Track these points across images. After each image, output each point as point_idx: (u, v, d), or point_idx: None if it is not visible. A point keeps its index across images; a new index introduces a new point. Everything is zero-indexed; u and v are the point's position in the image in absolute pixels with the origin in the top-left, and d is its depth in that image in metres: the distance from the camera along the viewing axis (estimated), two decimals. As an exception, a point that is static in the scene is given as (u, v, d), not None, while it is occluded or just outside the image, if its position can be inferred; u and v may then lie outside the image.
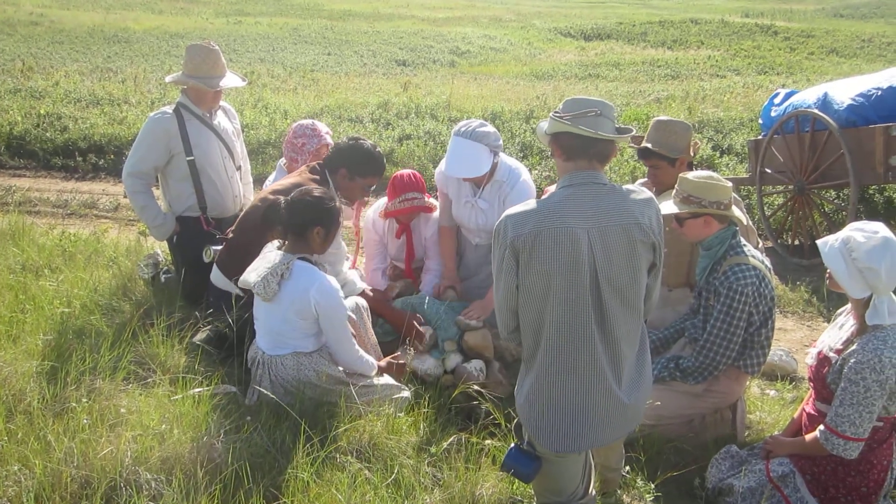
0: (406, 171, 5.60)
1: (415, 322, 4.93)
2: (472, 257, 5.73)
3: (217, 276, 4.94)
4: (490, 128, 5.14)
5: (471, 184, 5.38)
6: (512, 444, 3.47)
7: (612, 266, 3.17)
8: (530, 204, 3.26)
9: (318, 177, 4.95)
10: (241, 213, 5.17)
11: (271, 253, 4.17)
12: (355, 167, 4.99)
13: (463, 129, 5.12)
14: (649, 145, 5.02)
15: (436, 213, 5.71)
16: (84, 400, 3.66)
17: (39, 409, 3.60)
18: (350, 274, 5.19)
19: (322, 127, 5.77)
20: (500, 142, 5.21)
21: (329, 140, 5.69)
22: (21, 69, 20.31)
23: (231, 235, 5.00)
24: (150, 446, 3.37)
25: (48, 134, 12.23)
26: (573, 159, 3.26)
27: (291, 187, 4.71)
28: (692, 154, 5.07)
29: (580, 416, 3.26)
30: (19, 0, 45.44)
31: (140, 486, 3.15)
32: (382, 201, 5.71)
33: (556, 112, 3.28)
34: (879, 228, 3.66)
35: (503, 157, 5.33)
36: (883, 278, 3.58)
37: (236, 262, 4.77)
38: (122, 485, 3.13)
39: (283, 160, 5.80)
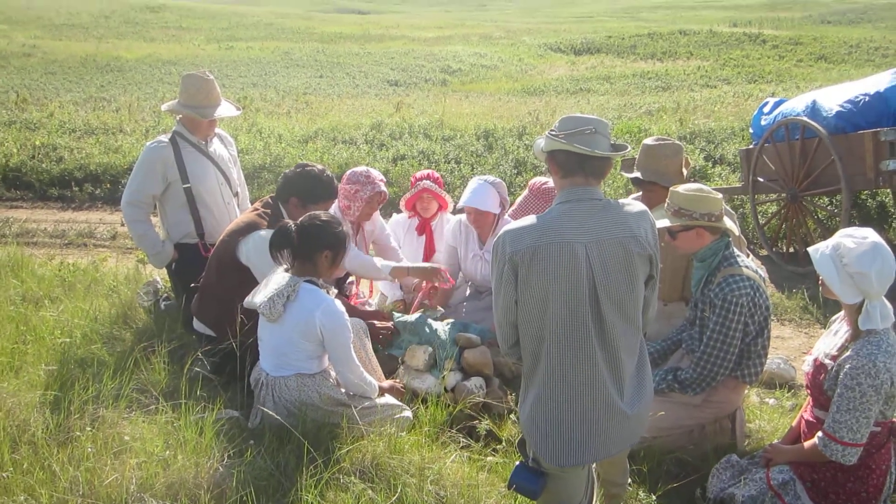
0: (424, 171, 6.36)
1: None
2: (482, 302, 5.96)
3: (197, 324, 5.05)
4: (502, 182, 5.83)
5: (477, 237, 5.90)
6: (518, 462, 3.49)
7: (609, 279, 3.19)
8: (529, 219, 3.29)
9: (270, 210, 4.99)
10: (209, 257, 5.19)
11: (278, 275, 4.20)
12: (306, 195, 5.01)
13: (482, 176, 5.87)
14: (640, 175, 5.09)
15: (452, 216, 6.33)
16: (88, 428, 3.66)
17: (44, 438, 3.60)
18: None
19: (376, 174, 5.65)
20: (507, 196, 5.86)
21: (383, 188, 5.62)
22: (15, 101, 20.38)
23: (198, 284, 5.12)
24: (154, 473, 3.37)
25: (44, 165, 12.28)
26: (569, 176, 3.30)
27: (245, 226, 4.85)
28: (685, 176, 5.11)
29: (584, 430, 3.27)
30: (11, 32, 45.60)
31: (146, 513, 3.17)
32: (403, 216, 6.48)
33: (551, 130, 3.32)
34: (869, 234, 3.69)
35: (508, 218, 5.84)
36: (874, 283, 3.61)
37: (208, 306, 4.93)
38: (128, 511, 3.15)
39: (336, 203, 5.66)
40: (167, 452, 3.54)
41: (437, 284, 5.69)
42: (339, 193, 5.55)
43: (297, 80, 30.47)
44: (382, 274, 5.50)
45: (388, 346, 5.20)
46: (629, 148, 3.42)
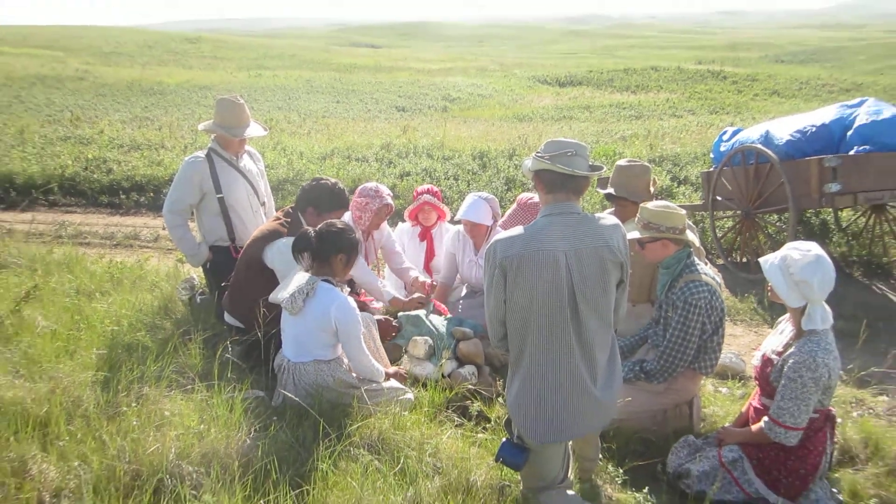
0: (425, 186, 6.41)
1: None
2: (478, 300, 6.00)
3: (228, 317, 5.04)
4: (494, 198, 5.90)
5: (473, 246, 5.96)
6: (504, 438, 3.54)
7: (586, 282, 3.24)
8: (517, 230, 3.34)
9: (290, 219, 5.01)
10: (238, 259, 5.20)
11: (299, 274, 4.24)
12: (320, 204, 5.03)
13: (477, 192, 5.91)
14: (612, 191, 5.14)
15: (450, 226, 6.32)
16: (133, 405, 3.67)
17: (95, 413, 3.62)
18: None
19: (384, 189, 5.68)
20: (499, 210, 5.93)
21: (390, 201, 5.65)
22: (70, 119, 20.38)
23: (228, 282, 5.13)
24: (191, 443, 3.38)
25: (95, 175, 12.28)
26: (553, 192, 3.35)
27: (269, 233, 4.90)
28: (652, 192, 5.16)
29: (562, 412, 3.32)
30: (66, 58, 45.60)
31: (183, 478, 3.16)
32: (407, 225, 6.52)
33: (538, 152, 3.37)
34: (812, 247, 3.74)
35: (499, 228, 5.83)
36: (815, 290, 3.66)
37: (237, 301, 4.94)
38: (167, 477, 3.14)
39: (349, 213, 5.66)
40: (202, 426, 3.55)
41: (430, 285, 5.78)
42: (352, 205, 5.60)
43: (317, 105, 30.46)
44: (384, 298, 5.59)
45: (393, 337, 5.24)
46: (604, 168, 3.46)
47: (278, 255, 4.74)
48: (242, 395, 3.94)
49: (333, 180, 5.16)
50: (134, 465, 3.22)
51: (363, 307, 5.36)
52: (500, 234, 3.37)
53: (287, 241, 4.60)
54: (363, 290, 6.05)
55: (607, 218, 3.40)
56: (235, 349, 4.65)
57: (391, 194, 5.73)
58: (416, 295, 5.67)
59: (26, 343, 4.45)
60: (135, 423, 3.51)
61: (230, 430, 3.56)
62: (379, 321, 5.10)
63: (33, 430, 3.44)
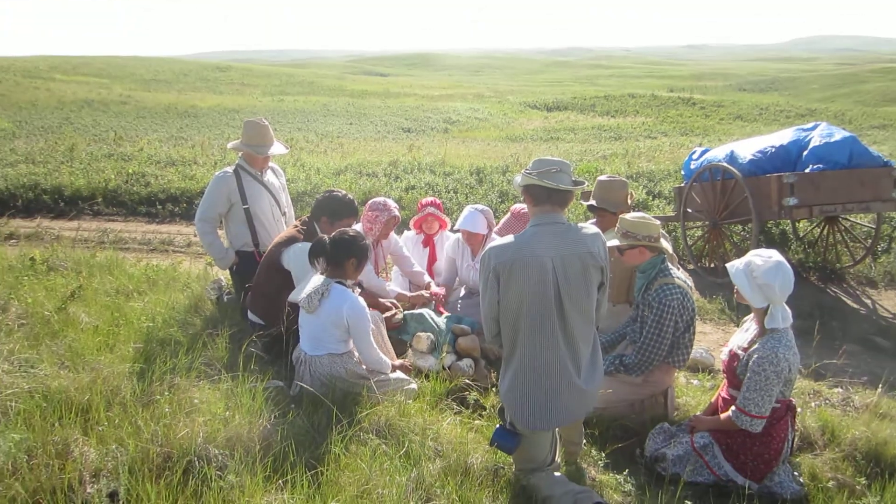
0: (429, 198, 6.39)
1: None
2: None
3: (252, 316, 5.00)
4: (489, 209, 5.93)
5: (470, 251, 5.93)
6: (497, 425, 3.52)
7: (570, 285, 3.24)
8: (508, 238, 3.35)
9: (306, 227, 4.98)
10: (259, 264, 5.14)
11: (315, 277, 4.22)
12: (332, 214, 4.99)
13: (474, 204, 5.92)
14: (594, 202, 5.14)
15: (451, 234, 6.25)
16: (166, 393, 3.63)
17: (131, 401, 3.59)
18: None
19: (392, 203, 5.63)
20: (493, 220, 5.94)
21: (397, 213, 5.58)
22: (113, 138, 20.43)
23: (252, 284, 5.08)
24: (217, 428, 3.35)
25: (135, 188, 12.25)
26: (540, 205, 3.35)
27: (287, 239, 4.88)
28: (629, 204, 5.15)
29: (550, 401, 3.31)
30: (111, 85, 45.65)
31: (210, 460, 3.14)
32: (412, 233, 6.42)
33: (526, 169, 3.39)
34: (773, 254, 3.72)
35: (494, 236, 5.77)
36: (777, 292, 3.64)
37: (259, 301, 4.91)
38: (196, 458, 3.12)
39: (359, 224, 5.55)
40: (227, 413, 3.52)
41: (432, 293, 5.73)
42: (363, 218, 5.55)
43: (333, 126, 30.50)
44: (390, 296, 5.52)
45: (399, 332, 5.21)
46: (586, 183, 3.46)
47: (294, 258, 4.71)
48: (264, 385, 3.91)
49: (343, 192, 5.14)
50: (166, 447, 3.19)
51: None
52: (494, 242, 3.36)
53: (302, 246, 4.57)
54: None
55: (589, 227, 3.41)
56: (258, 343, 4.63)
57: (398, 207, 5.70)
58: (422, 292, 5.64)
59: (71, 337, 4.43)
60: (167, 409, 3.47)
61: (252, 417, 3.53)
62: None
63: (76, 416, 3.41)
